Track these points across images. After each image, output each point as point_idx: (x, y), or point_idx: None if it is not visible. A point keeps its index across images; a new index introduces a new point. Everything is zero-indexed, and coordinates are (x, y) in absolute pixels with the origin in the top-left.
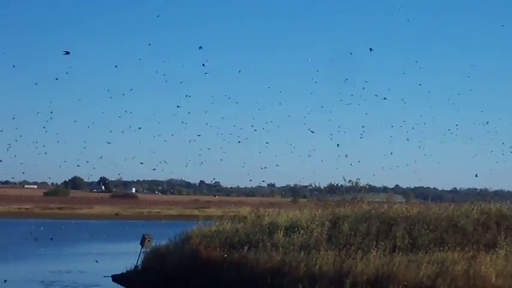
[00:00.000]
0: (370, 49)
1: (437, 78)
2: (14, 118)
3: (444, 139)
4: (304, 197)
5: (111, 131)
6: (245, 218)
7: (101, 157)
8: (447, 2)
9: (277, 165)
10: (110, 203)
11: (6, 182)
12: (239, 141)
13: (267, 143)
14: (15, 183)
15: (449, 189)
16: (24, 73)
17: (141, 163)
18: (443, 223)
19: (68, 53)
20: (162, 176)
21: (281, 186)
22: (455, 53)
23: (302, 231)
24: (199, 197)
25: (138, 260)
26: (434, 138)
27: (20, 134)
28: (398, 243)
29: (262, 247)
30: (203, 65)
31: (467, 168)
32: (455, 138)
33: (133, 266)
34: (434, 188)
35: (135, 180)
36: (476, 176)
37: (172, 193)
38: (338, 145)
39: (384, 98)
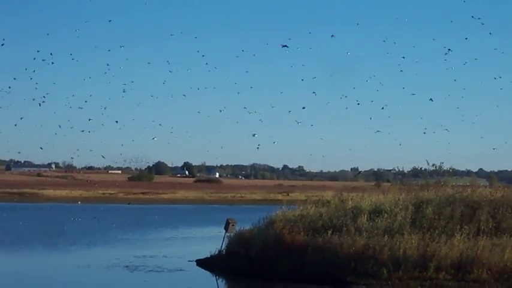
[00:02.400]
0: None
1: None
2: (105, 108)
3: None
4: (388, 181)
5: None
6: (328, 202)
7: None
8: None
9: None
10: (193, 187)
11: (91, 168)
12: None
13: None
14: (99, 168)
15: None
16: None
17: (221, 147)
18: None
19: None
20: (245, 160)
21: (365, 171)
22: None
23: (386, 215)
24: (282, 181)
25: (222, 244)
26: None
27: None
28: (482, 227)
29: (345, 231)
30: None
31: None
32: None
33: (217, 251)
34: None
35: (218, 165)
36: None
37: (255, 177)
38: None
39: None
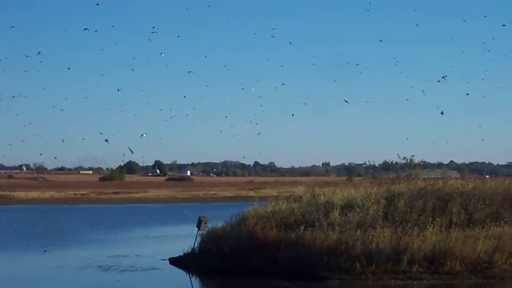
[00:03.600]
0: None
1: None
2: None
3: (500, 113)
4: (359, 175)
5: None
6: (300, 197)
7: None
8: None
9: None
10: (165, 186)
11: (62, 168)
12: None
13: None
14: (70, 169)
15: (504, 163)
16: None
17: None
18: (499, 198)
19: None
20: (216, 158)
21: (336, 165)
22: None
23: (358, 210)
24: (254, 178)
25: (194, 242)
26: (491, 113)
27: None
28: (455, 219)
29: (318, 226)
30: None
31: None
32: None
33: (190, 249)
34: (489, 162)
35: (189, 162)
36: None
37: (227, 175)
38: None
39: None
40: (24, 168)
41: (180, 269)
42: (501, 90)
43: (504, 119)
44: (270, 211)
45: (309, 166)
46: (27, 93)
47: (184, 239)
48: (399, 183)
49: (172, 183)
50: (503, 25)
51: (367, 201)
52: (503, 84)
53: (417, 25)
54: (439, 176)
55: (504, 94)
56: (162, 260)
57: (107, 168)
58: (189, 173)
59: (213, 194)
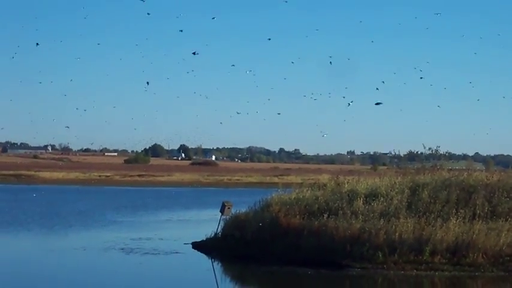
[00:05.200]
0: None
1: None
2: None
3: None
4: (384, 164)
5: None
6: (325, 185)
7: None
8: None
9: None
10: (189, 170)
11: (87, 150)
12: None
13: (349, 104)
14: (95, 150)
15: None
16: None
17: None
18: None
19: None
20: (242, 143)
21: (361, 154)
22: None
23: (382, 199)
24: (278, 164)
25: (218, 227)
26: None
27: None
28: (478, 211)
29: (341, 215)
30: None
31: None
32: None
33: (213, 233)
34: None
35: (214, 147)
36: None
37: (252, 160)
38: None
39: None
40: (50, 148)
41: (202, 254)
42: None
43: None
44: (294, 198)
45: (333, 154)
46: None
47: (208, 223)
48: (424, 174)
49: (197, 167)
50: None
51: (391, 190)
52: None
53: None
54: (463, 168)
55: None
56: (184, 244)
57: (132, 151)
58: (214, 157)
59: (237, 180)
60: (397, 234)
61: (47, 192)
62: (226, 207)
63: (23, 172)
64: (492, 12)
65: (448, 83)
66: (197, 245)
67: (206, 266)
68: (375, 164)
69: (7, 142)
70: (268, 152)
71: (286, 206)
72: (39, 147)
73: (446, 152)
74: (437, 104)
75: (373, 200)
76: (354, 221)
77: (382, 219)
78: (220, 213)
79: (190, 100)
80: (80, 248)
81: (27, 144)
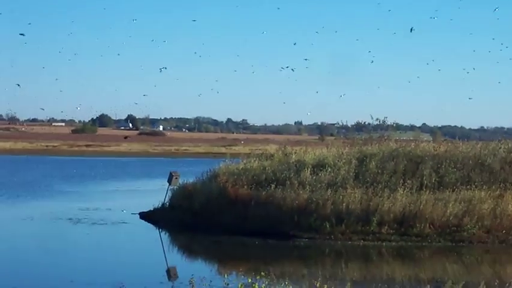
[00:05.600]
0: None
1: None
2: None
3: (471, 78)
4: (331, 135)
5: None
6: (272, 155)
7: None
8: None
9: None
10: (137, 140)
11: (34, 120)
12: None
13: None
14: (42, 120)
15: (476, 127)
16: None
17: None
18: (470, 162)
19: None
20: (189, 113)
21: (308, 124)
22: None
23: (329, 169)
24: (226, 134)
25: (165, 197)
26: (462, 77)
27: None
28: (425, 182)
29: (289, 185)
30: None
31: (494, 107)
32: (482, 78)
33: (160, 204)
34: (461, 126)
35: (162, 118)
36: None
37: (199, 131)
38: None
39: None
40: None
41: (150, 224)
42: (474, 55)
43: (476, 82)
44: (242, 168)
45: (281, 124)
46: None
47: (155, 193)
48: (371, 144)
49: (144, 137)
50: None
51: (338, 161)
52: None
53: None
54: (411, 138)
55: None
56: (132, 214)
57: (79, 121)
58: (161, 128)
59: (185, 150)
60: (344, 204)
61: None
62: (174, 178)
63: None
64: None
65: (394, 54)
66: (144, 215)
67: (153, 235)
68: (322, 134)
69: None
70: (215, 123)
71: (233, 176)
72: None
73: (393, 123)
74: (384, 75)
75: (321, 170)
76: (301, 192)
77: (329, 190)
78: (167, 183)
79: (138, 71)
80: (27, 218)
81: None
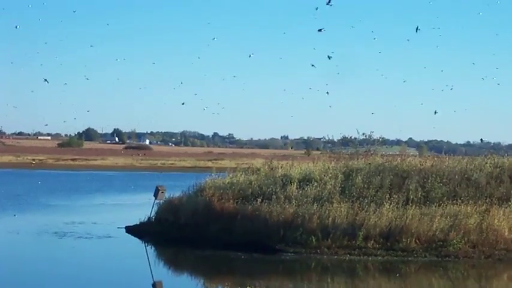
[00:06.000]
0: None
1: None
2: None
3: (458, 93)
4: (318, 149)
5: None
6: (258, 170)
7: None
8: None
9: (291, 116)
10: (123, 154)
11: (20, 133)
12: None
13: (284, 90)
14: (29, 134)
15: (462, 142)
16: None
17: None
18: (456, 176)
19: None
20: (175, 127)
21: (294, 139)
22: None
23: (315, 184)
24: (212, 148)
25: (151, 211)
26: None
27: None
28: (412, 196)
29: (275, 199)
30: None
31: (480, 122)
32: (469, 93)
33: (146, 218)
34: (447, 141)
35: (148, 131)
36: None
37: (185, 145)
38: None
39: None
40: None
41: (135, 238)
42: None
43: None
44: (228, 182)
45: (267, 139)
46: None
47: (141, 207)
48: (357, 159)
49: (130, 151)
50: None
51: (324, 175)
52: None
53: None
54: (397, 153)
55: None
56: (118, 228)
57: (66, 135)
58: (147, 141)
59: (171, 164)
60: (330, 219)
61: None
62: (160, 192)
63: None
64: None
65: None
66: (130, 229)
67: (139, 249)
68: (308, 148)
69: None
70: (202, 137)
71: (220, 190)
72: None
73: (379, 137)
74: (371, 89)
75: (307, 184)
76: (287, 206)
77: (315, 204)
78: (154, 197)
79: (125, 85)
80: (13, 232)
81: None
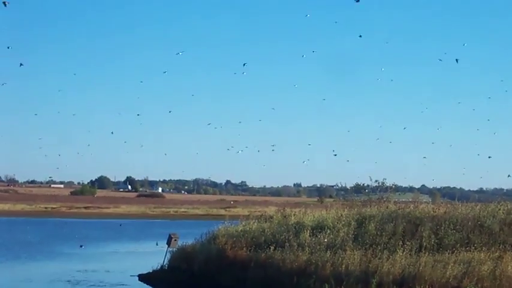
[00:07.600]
0: None
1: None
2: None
3: (471, 139)
4: (330, 196)
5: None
6: (271, 217)
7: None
8: None
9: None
10: (136, 202)
11: (33, 182)
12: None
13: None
14: (41, 182)
15: (475, 189)
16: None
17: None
18: (469, 223)
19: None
20: (188, 175)
21: (307, 186)
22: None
23: (328, 231)
24: (225, 196)
25: (164, 259)
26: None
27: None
28: (425, 243)
29: (288, 247)
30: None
31: (494, 168)
32: (482, 139)
33: (159, 266)
34: (460, 188)
35: (161, 179)
36: (509, 176)
37: (198, 192)
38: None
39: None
40: None
41: (148, 286)
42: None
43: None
44: (241, 230)
45: (280, 186)
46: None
47: (154, 255)
48: (370, 206)
49: (143, 199)
50: None
51: (337, 223)
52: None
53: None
54: (410, 200)
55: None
56: (131, 276)
57: (78, 183)
58: (160, 189)
59: (184, 212)
60: (343, 266)
61: None
62: (173, 239)
63: None
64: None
65: (392, 114)
66: (143, 277)
67: None
68: (321, 196)
69: None
70: (214, 184)
71: (232, 238)
72: None
73: (392, 184)
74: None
75: (320, 232)
76: (300, 253)
77: (328, 252)
78: (166, 245)
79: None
80: (26, 280)
81: None
